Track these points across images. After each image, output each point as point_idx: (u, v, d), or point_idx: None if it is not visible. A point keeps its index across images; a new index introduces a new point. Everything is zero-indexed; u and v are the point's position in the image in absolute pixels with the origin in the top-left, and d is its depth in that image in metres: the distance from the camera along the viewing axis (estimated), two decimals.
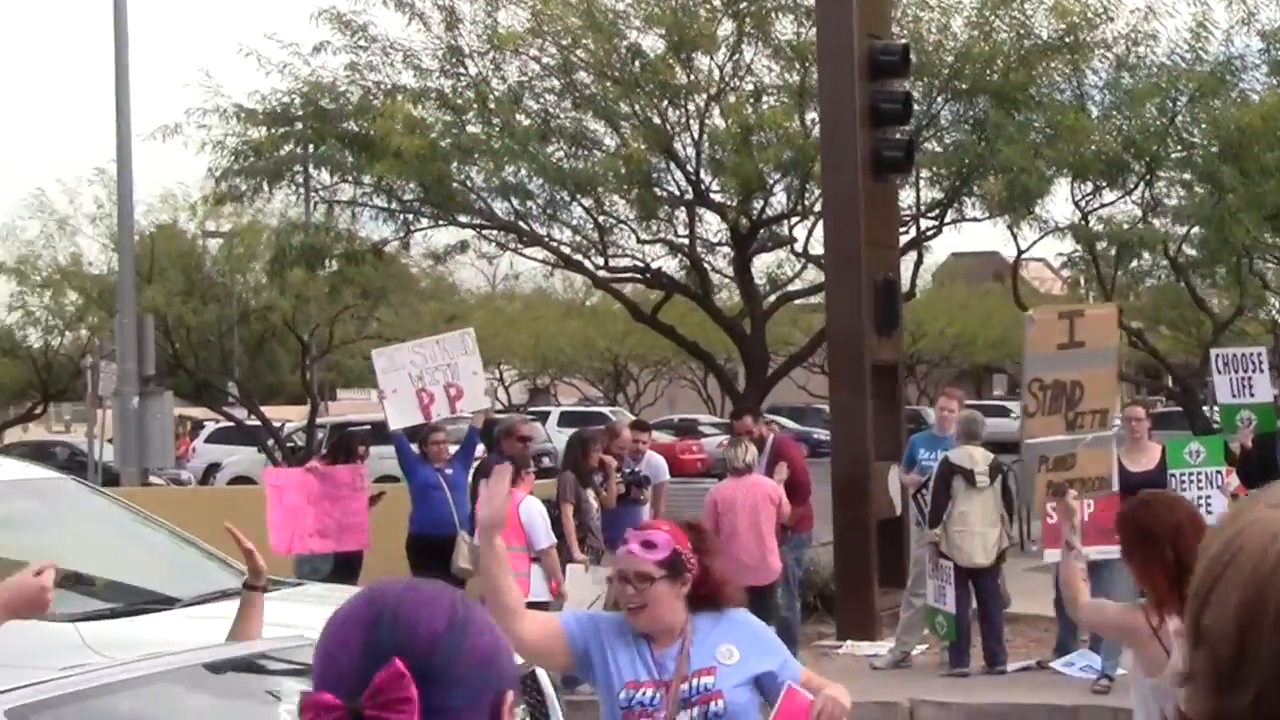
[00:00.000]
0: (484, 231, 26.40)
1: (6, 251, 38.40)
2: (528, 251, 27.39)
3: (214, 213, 35.91)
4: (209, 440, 45.68)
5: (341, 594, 10.02)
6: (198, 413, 48.39)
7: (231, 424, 39.53)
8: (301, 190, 27.52)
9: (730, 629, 5.56)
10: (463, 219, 25.54)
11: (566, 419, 47.27)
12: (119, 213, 24.96)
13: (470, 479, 14.58)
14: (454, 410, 14.56)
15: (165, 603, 8.58)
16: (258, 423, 36.10)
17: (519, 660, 8.69)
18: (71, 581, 9.15)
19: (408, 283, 38.72)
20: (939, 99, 23.96)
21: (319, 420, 38.05)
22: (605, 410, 51.78)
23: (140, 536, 9.78)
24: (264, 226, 33.98)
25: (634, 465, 15.85)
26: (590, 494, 14.80)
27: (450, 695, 2.14)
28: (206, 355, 38.83)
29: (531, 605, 12.83)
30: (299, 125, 24.98)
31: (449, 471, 14.92)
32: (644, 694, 5.41)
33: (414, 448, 15.34)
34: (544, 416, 48.51)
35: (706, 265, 26.59)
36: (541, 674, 8.93)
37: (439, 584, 2.30)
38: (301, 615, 8.45)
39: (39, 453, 42.16)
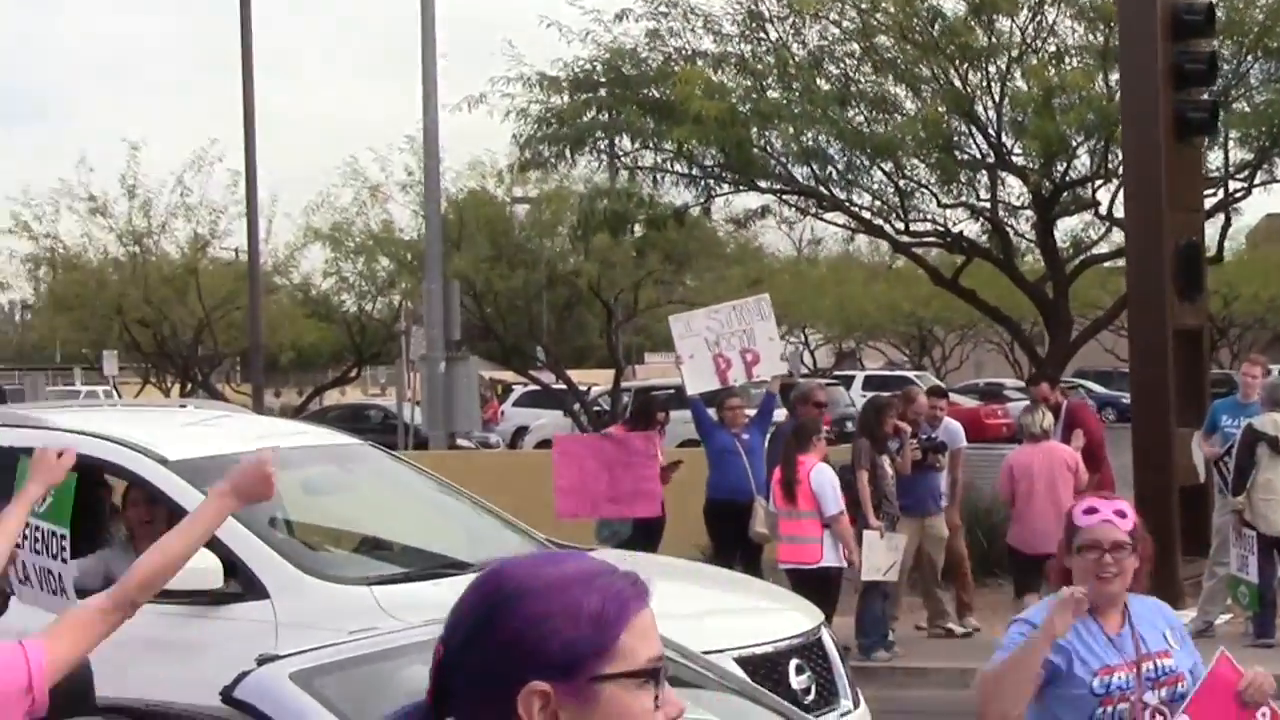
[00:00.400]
0: (784, 196, 26.41)
1: (322, 219, 39.54)
2: (828, 216, 27.34)
3: (520, 179, 36.49)
4: (517, 404, 46.50)
5: (626, 561, 10.18)
6: (507, 377, 49.29)
7: (539, 388, 40.16)
8: (604, 156, 27.82)
9: (1145, 609, 5.57)
10: (762, 184, 25.54)
11: (871, 383, 47.09)
12: (426, 180, 25.48)
13: (766, 444, 14.61)
14: (750, 376, 14.61)
15: (458, 567, 8.77)
16: (564, 387, 36.62)
17: (803, 626, 8.75)
18: (369, 545, 9.44)
19: (713, 247, 38.85)
20: (1248, 58, 23.32)
21: (624, 384, 38.47)
22: (910, 374, 51.48)
23: (436, 501, 10.01)
24: (570, 192, 34.42)
25: (930, 431, 15.76)
26: (885, 460, 14.76)
27: (456, 678, 2.20)
28: (515, 320, 39.46)
29: (825, 571, 12.94)
30: (601, 92, 25.22)
31: (745, 437, 14.98)
32: (1119, 677, 5.38)
33: (711, 413, 15.45)
34: (848, 381, 48.42)
35: (1008, 228, 26.26)
36: (827, 641, 8.98)
37: (498, 569, 2.26)
38: None
39: (354, 415, 43.38)
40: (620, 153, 26.74)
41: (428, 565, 8.89)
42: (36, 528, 7.81)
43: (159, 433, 9.14)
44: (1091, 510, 5.47)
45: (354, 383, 57.40)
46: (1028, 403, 16.73)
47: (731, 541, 14.62)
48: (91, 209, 39.47)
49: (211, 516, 4.71)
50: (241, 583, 8.26)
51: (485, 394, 52.41)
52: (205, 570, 8.14)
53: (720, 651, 8.04)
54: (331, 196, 39.17)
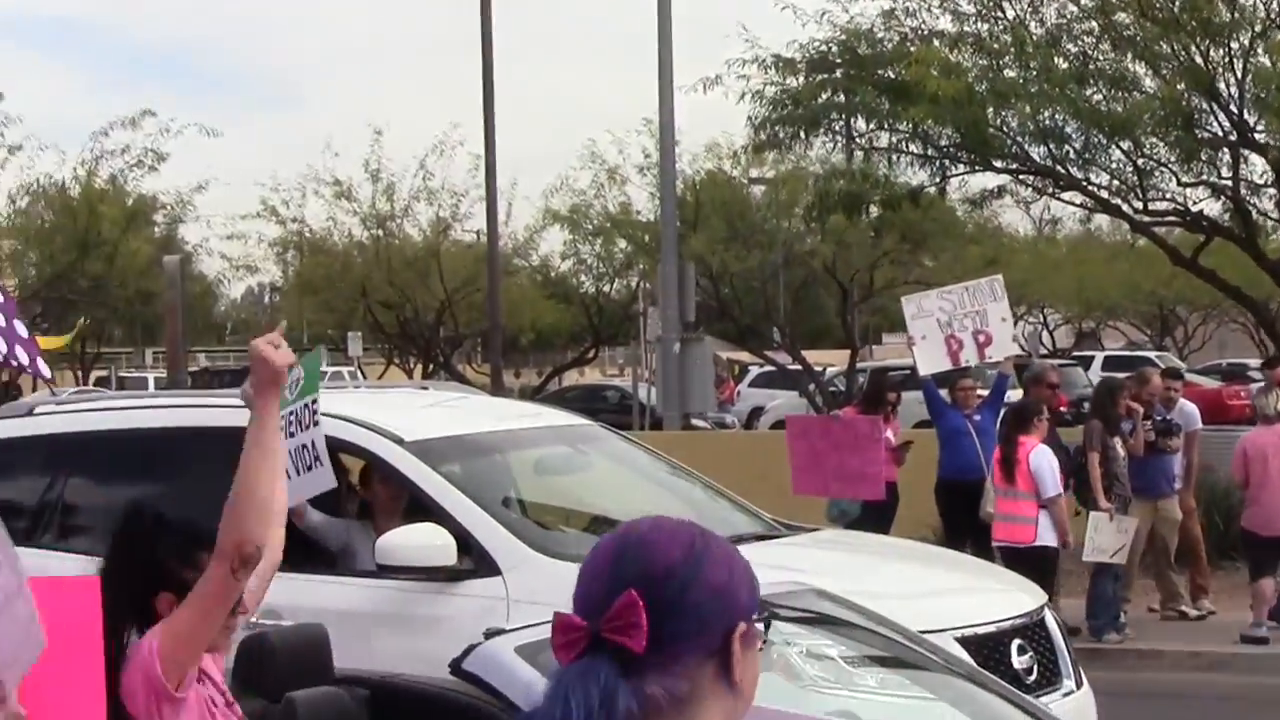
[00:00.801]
0: (1020, 176, 26.22)
1: (560, 201, 40.01)
2: (1065, 196, 27.09)
3: (756, 161, 36.61)
4: (753, 384, 46.65)
5: (849, 541, 10.27)
6: (743, 358, 49.47)
7: (774, 369, 40.28)
8: (839, 137, 27.81)
9: None
10: (998, 164, 25.37)
11: (1110, 363, 46.47)
12: (661, 162, 25.71)
13: (999, 425, 14.60)
14: (982, 357, 14.60)
15: None
16: (799, 367, 36.68)
17: (1025, 607, 8.78)
18: (599, 524, 9.65)
19: (950, 227, 38.61)
20: None
21: (860, 365, 38.44)
22: (1151, 354, 50.73)
23: (665, 482, 10.20)
24: (805, 173, 34.46)
25: (1165, 413, 15.62)
26: (1118, 442, 14.67)
27: (680, 622, 2.32)
28: (750, 301, 39.59)
29: (1040, 551, 12.92)
30: (836, 73, 25.22)
31: (977, 418, 14.99)
32: None
33: (944, 394, 15.47)
34: (1087, 361, 47.83)
35: (1250, 207, 25.79)
36: (1050, 623, 9.01)
37: (685, 521, 2.46)
38: (799, 559, 8.76)
39: (590, 396, 43.85)
40: (855, 133, 26.73)
41: None
42: (290, 413, 8.20)
43: (396, 414, 9.42)
44: None
45: (592, 363, 57.97)
46: (1263, 384, 16.47)
47: (962, 522, 14.64)
48: (337, 193, 40.35)
49: (255, 432, 4.44)
50: (474, 560, 8.50)
51: (721, 375, 52.63)
52: (440, 547, 8.41)
53: (941, 631, 8.13)
54: (570, 179, 39.66)
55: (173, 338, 25.91)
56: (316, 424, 8.14)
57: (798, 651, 6.57)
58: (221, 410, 9.80)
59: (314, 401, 8.14)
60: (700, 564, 2.38)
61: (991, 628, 8.56)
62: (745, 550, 7.61)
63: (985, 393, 15.75)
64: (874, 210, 28.03)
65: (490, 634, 5.61)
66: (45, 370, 5.67)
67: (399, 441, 8.97)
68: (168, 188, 39.52)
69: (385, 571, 8.43)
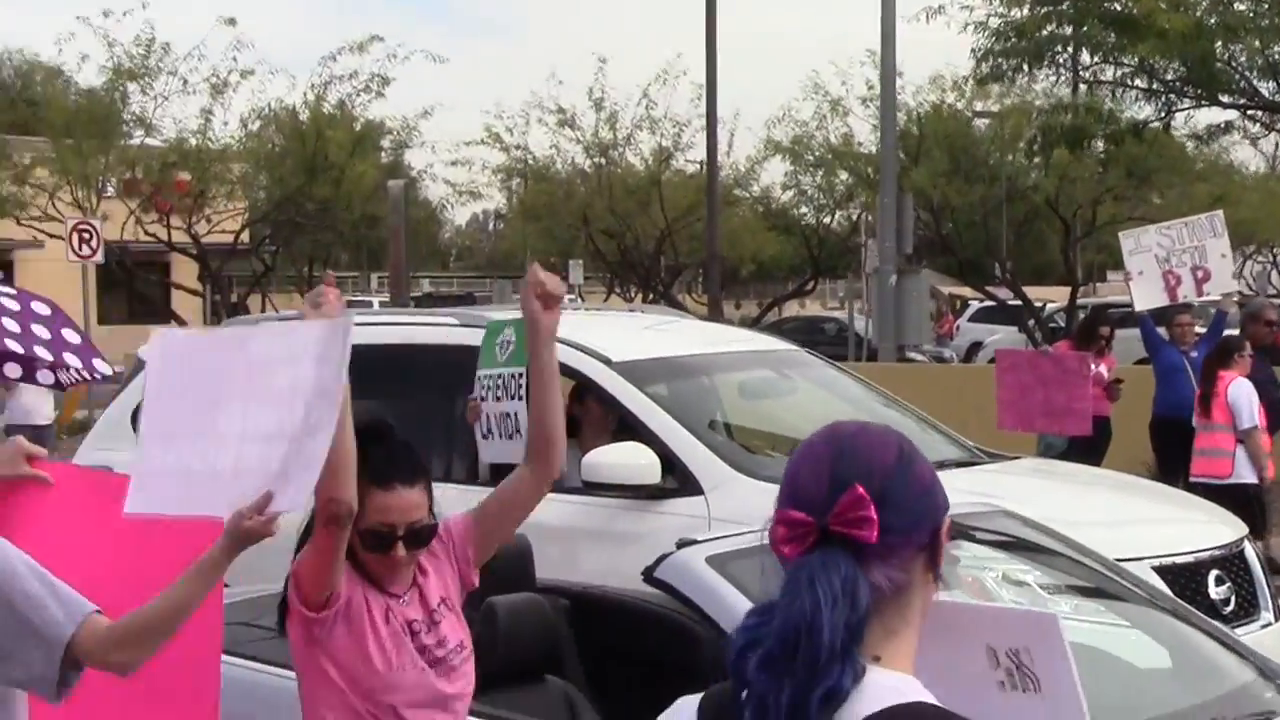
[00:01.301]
0: (1248, 112, 25.83)
1: (782, 132, 39.99)
2: None
3: (980, 93, 36.30)
4: (973, 319, 46.37)
5: (1050, 469, 10.28)
6: (965, 292, 49.14)
7: (994, 304, 40.02)
8: (1063, 70, 27.56)
9: None
10: (1225, 99, 25.03)
11: None
12: (882, 94, 25.62)
13: (1204, 364, 14.42)
14: (1200, 293, 14.43)
15: None
16: (1019, 303, 36.41)
17: (1224, 538, 8.77)
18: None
19: (1178, 164, 37.96)
20: None
21: (1081, 301, 38.05)
22: None
23: (870, 408, 10.29)
24: (1030, 107, 34.15)
25: None
26: None
27: (900, 516, 2.49)
28: (972, 235, 39.30)
29: (1238, 486, 12.80)
30: (1063, 5, 24.99)
31: (1194, 354, 14.84)
32: None
33: (1162, 331, 15.35)
34: None
35: None
36: (1250, 555, 9.00)
37: (886, 427, 2.65)
38: (999, 485, 8.83)
39: (809, 327, 43.88)
40: (1080, 67, 26.49)
41: None
42: (498, 375, 8.43)
43: (606, 336, 9.62)
44: None
45: (812, 296, 57.89)
46: None
47: (1175, 458, 14.53)
48: (560, 121, 40.66)
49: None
50: (678, 479, 8.68)
51: (942, 309, 52.36)
52: (644, 466, 8.60)
53: (1138, 560, 8.17)
54: (792, 110, 39.63)
55: (396, 262, 26.43)
56: (523, 398, 8.28)
57: (993, 576, 6.66)
58: (437, 329, 10.11)
59: (523, 375, 8.27)
60: (910, 464, 2.56)
61: (1189, 558, 8.57)
62: (946, 475, 7.78)
63: (1204, 329, 15.58)
64: (1097, 145, 27.81)
65: (682, 544, 5.77)
66: (103, 368, 5.91)
67: (607, 362, 9.16)
68: (394, 113, 40.20)
69: (590, 488, 8.63)
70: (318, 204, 38.14)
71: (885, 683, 2.45)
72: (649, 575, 5.69)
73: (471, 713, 4.78)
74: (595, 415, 9.26)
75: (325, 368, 4.18)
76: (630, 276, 46.82)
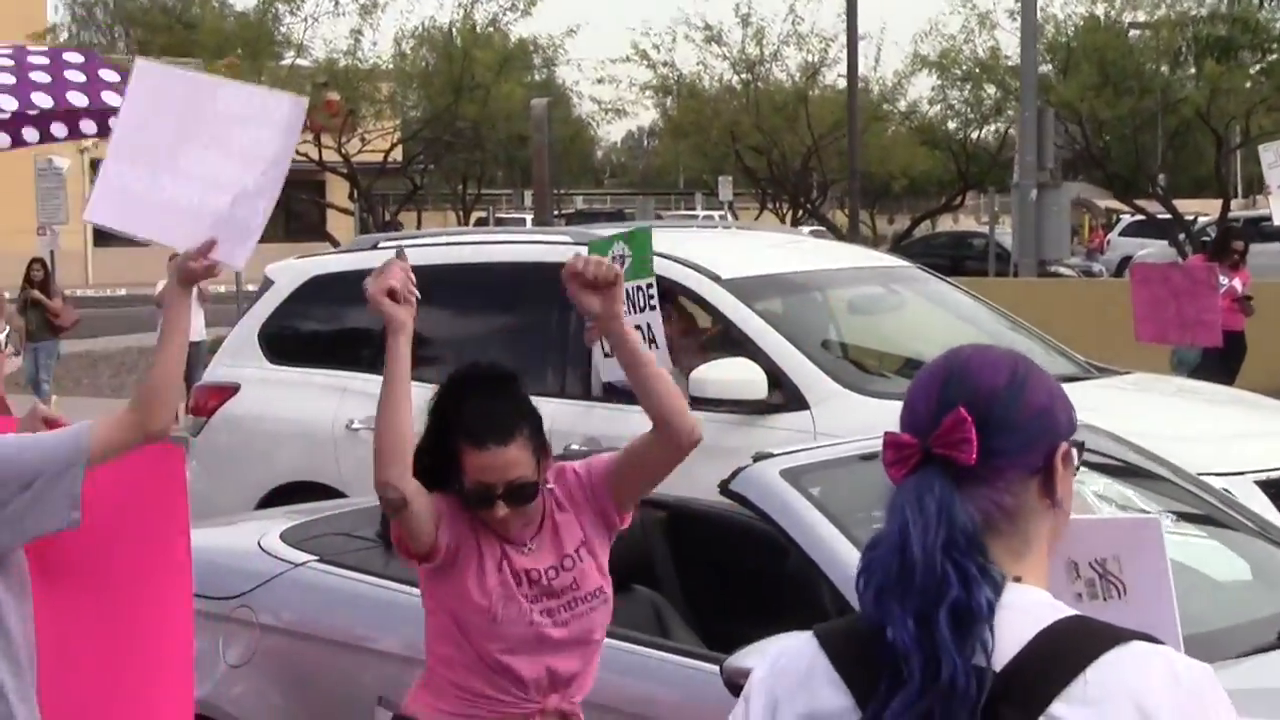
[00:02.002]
0: None
1: (930, 46, 39.75)
2: None
3: (1130, 5, 35.86)
4: (1124, 234, 45.88)
5: (1160, 385, 10.29)
6: (1121, 207, 48.61)
7: (1144, 218, 39.59)
8: None
9: None
10: None
11: None
12: (1023, 6, 25.40)
13: None
14: None
15: None
16: (1170, 216, 35.99)
17: None
18: (908, 364, 9.85)
19: None
20: None
21: (1234, 214, 37.53)
22: None
23: (977, 322, 10.32)
24: (1184, 18, 33.69)
25: None
26: None
27: (1007, 439, 2.49)
28: (1123, 149, 38.87)
29: None
30: None
31: None
32: None
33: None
34: None
35: None
36: None
37: (1008, 350, 2.65)
38: (1104, 400, 8.87)
39: (957, 243, 43.70)
40: None
41: None
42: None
43: (715, 252, 9.72)
44: None
45: (966, 211, 57.54)
46: None
47: None
48: (707, 38, 40.66)
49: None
50: (785, 394, 8.76)
51: (1093, 223, 51.83)
52: (751, 382, 8.70)
53: (1241, 474, 8.18)
54: (940, 24, 39.40)
55: (540, 179, 26.61)
56: (654, 308, 8.37)
57: (1092, 490, 6.71)
58: (552, 246, 10.26)
59: (650, 285, 8.36)
60: (1023, 387, 2.55)
61: None
62: None
63: None
64: (1246, 56, 27.40)
65: (759, 457, 5.85)
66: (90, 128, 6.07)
67: (716, 279, 9.26)
68: (539, 32, 40.41)
69: (698, 403, 8.73)
70: (467, 122, 38.43)
71: (1038, 599, 2.48)
72: (724, 487, 5.77)
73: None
74: (686, 330, 9.36)
75: (287, 138, 4.67)
76: (780, 193, 46.76)
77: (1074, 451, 2.57)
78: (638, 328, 8.42)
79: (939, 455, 2.47)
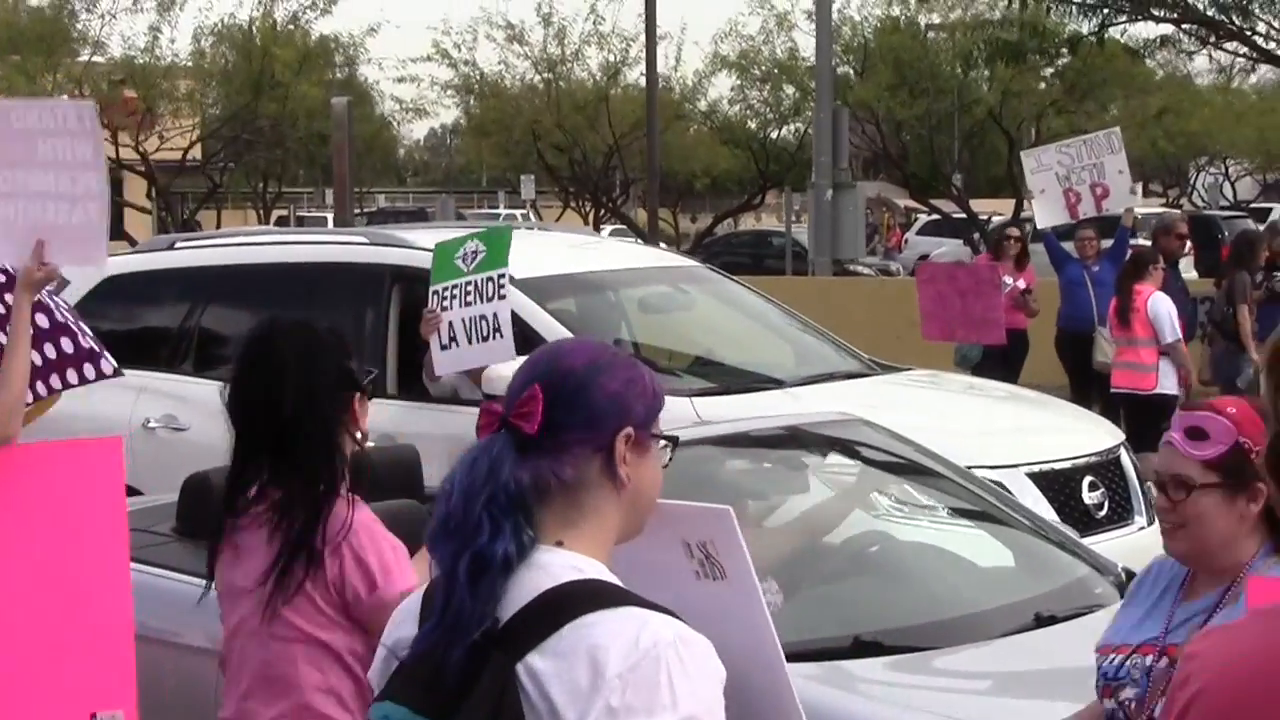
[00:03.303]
0: (1183, 26, 26.04)
1: (730, 46, 40.12)
2: (1227, 46, 26.87)
3: (925, 8, 36.53)
4: (921, 232, 46.67)
5: (937, 381, 10.61)
6: (919, 206, 49.40)
7: (939, 217, 40.34)
8: None
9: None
10: (1158, 13, 25.23)
11: None
12: (817, 8, 25.80)
13: (1118, 278, 14.74)
14: (1099, 210, 14.72)
15: (772, 383, 9.42)
16: (964, 216, 36.73)
17: (1102, 445, 9.09)
18: (695, 362, 10.11)
19: (1122, 78, 38.15)
20: None
21: (1025, 214, 38.31)
22: None
23: (767, 322, 10.59)
24: (978, 21, 34.37)
25: None
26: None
27: (571, 416, 2.76)
28: (920, 149, 39.51)
29: (1159, 398, 13.13)
30: None
31: (1095, 269, 15.17)
32: (1113, 662, 3.93)
33: (1070, 246, 15.65)
34: (1264, 214, 47.25)
35: None
36: (1125, 460, 9.33)
37: (605, 343, 2.97)
38: (880, 396, 9.18)
39: (758, 241, 44.13)
40: None
41: (744, 381, 9.53)
42: (465, 284, 8.67)
43: (512, 253, 9.86)
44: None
45: (770, 209, 58.05)
46: None
47: (1082, 371, 14.90)
48: (509, 36, 40.69)
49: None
50: None
51: (890, 222, 52.60)
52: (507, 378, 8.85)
53: (1013, 466, 8.52)
54: (739, 25, 39.79)
55: (340, 178, 26.49)
56: (503, 297, 8.54)
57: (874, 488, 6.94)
58: (347, 247, 10.38)
59: (501, 275, 8.55)
60: (600, 372, 2.82)
61: (1065, 464, 8.87)
62: (831, 386, 8.11)
63: (1109, 244, 15.86)
64: (1037, 59, 28.03)
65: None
66: (108, 366, 6.22)
67: (510, 279, 9.41)
68: (340, 30, 40.28)
69: (491, 400, 8.88)
70: (267, 121, 38.22)
71: (566, 561, 2.72)
72: None
73: None
74: None
75: (91, 141, 5.01)
76: (583, 192, 46.95)
77: (654, 441, 2.85)
78: (483, 317, 8.57)
79: (511, 423, 2.75)
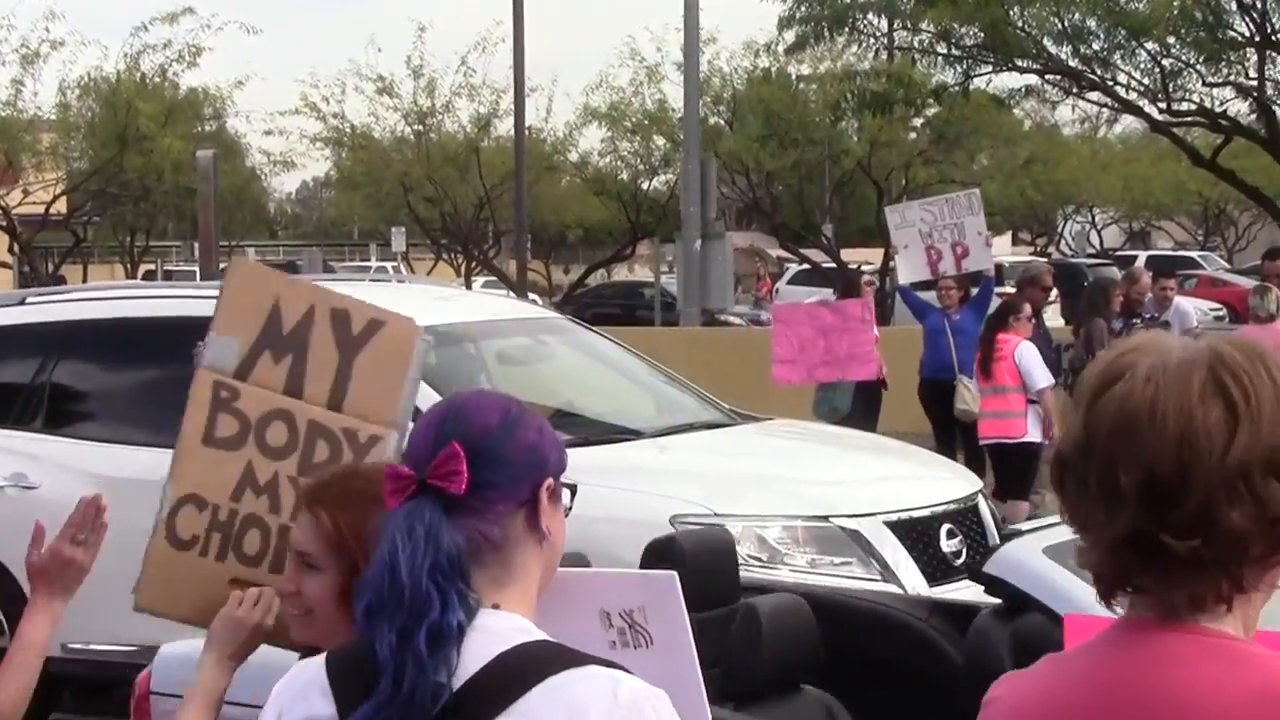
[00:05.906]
0: (1045, 77, 26.39)
1: (600, 98, 40.17)
2: (1090, 96, 27.24)
3: (791, 60, 36.72)
4: (792, 281, 46.86)
5: (797, 431, 10.61)
6: (791, 256, 49.64)
7: (809, 266, 40.51)
8: (866, 37, 28.04)
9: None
10: (1022, 64, 25.55)
11: (1153, 264, 46.41)
12: (685, 60, 25.96)
13: (983, 328, 14.84)
14: (959, 269, 14.91)
15: (631, 434, 9.38)
16: (834, 265, 36.90)
17: (960, 493, 9.11)
18: (555, 413, 10.04)
19: (989, 128, 38.52)
20: None
21: (893, 263, 38.60)
22: (1195, 255, 50.71)
23: (626, 373, 10.56)
24: (845, 72, 34.62)
25: (1155, 312, 15.85)
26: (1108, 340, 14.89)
27: (495, 472, 2.67)
28: (790, 199, 39.70)
29: (1027, 446, 13.21)
30: None
31: (956, 317, 15.25)
32: None
33: (929, 297, 15.73)
34: (1130, 261, 47.87)
35: (1277, 108, 25.88)
36: (984, 508, 9.36)
37: (504, 395, 2.85)
38: (742, 445, 9.16)
39: (629, 292, 44.26)
40: (879, 33, 26.96)
41: (603, 432, 9.48)
42: None
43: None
44: None
45: (642, 260, 58.13)
46: (1258, 283, 16.58)
47: (945, 420, 14.97)
48: (379, 89, 40.49)
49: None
50: None
51: (761, 272, 52.84)
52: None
53: (872, 515, 8.52)
54: (610, 77, 39.85)
55: (205, 231, 26.23)
56: None
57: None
58: (202, 301, 10.22)
59: None
60: (515, 425, 2.74)
61: (924, 512, 8.88)
62: (694, 436, 8.12)
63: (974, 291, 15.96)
64: (902, 110, 28.31)
65: (1008, 535, 5.65)
66: None
67: None
68: (209, 83, 39.92)
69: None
70: (133, 174, 37.84)
71: (509, 624, 2.64)
72: (975, 572, 5.62)
73: None
74: None
75: None
76: (454, 244, 46.84)
77: (564, 490, 2.78)
78: None
79: (432, 486, 2.63)
